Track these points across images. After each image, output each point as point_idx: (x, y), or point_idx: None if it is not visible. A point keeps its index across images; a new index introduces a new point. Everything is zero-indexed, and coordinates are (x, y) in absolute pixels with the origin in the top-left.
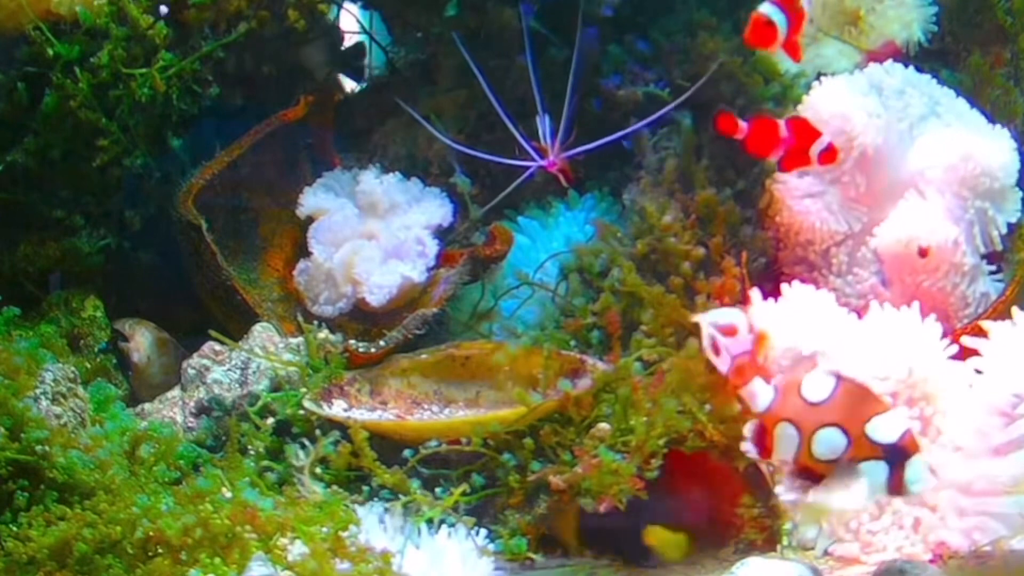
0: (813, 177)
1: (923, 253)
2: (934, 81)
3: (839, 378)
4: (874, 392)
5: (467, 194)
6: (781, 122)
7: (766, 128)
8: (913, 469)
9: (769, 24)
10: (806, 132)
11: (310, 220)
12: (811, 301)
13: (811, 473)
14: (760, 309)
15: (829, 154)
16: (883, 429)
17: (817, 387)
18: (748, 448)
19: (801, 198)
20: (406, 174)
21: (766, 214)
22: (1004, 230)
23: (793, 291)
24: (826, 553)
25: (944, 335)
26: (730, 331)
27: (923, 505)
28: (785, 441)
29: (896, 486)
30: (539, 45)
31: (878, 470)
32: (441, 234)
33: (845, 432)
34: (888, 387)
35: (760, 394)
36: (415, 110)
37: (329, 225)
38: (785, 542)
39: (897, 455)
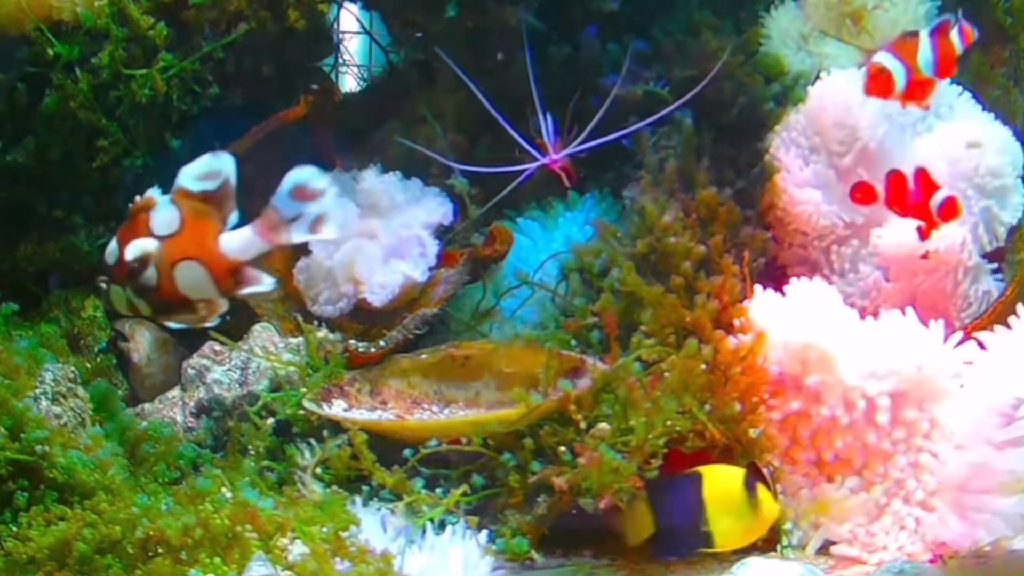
0: (815, 170)
1: (925, 256)
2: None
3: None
4: None
5: (465, 194)
6: (909, 174)
7: (899, 182)
8: None
9: (884, 73)
10: (927, 184)
11: None
12: (816, 296)
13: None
14: (762, 305)
15: (950, 207)
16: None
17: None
18: None
19: (802, 187)
20: (406, 174)
21: (767, 212)
22: (1013, 222)
23: (797, 286)
24: (821, 551)
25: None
26: None
27: (923, 505)
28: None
29: None
30: (539, 43)
31: None
32: (441, 233)
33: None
34: (890, 385)
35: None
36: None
37: None
38: (785, 542)
39: None
